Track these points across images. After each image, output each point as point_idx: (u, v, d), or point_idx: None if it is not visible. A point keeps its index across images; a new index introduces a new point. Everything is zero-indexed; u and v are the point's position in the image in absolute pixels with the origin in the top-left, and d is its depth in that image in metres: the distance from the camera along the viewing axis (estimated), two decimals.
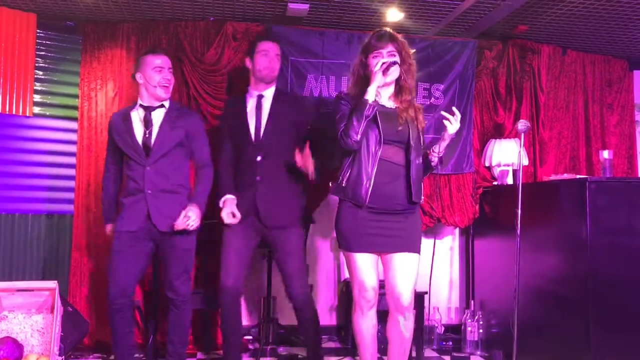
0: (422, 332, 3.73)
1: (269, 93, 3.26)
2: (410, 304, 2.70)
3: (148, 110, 3.00)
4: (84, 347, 3.64)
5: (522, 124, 3.07)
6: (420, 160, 2.79)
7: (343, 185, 2.74)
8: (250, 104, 3.25)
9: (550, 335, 3.24)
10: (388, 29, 2.82)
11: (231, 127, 3.26)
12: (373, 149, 2.69)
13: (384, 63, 2.67)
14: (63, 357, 3.17)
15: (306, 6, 3.60)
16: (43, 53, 3.81)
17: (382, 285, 2.80)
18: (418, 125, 2.78)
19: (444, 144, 2.77)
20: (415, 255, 2.73)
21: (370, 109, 2.64)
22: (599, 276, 2.92)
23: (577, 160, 4.40)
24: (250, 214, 3.12)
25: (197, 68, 3.84)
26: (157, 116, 3.01)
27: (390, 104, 2.80)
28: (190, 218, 2.92)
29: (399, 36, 2.80)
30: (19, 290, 3.19)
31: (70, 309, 3.40)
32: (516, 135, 4.00)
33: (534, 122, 4.25)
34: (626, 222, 3.00)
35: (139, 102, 3.03)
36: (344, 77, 3.97)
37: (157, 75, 2.99)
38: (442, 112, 2.76)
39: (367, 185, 2.66)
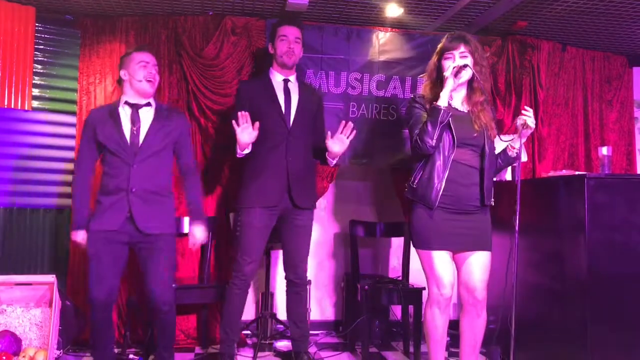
0: (419, 328, 3.72)
1: (293, 78, 3.33)
2: (483, 298, 2.84)
3: (134, 107, 2.93)
4: (82, 341, 3.64)
5: (521, 120, 3.06)
6: (494, 167, 2.87)
7: (414, 186, 2.81)
8: (276, 87, 3.26)
9: (548, 331, 3.24)
10: (462, 32, 2.87)
11: (255, 106, 3.16)
12: (446, 152, 2.74)
13: (454, 67, 2.71)
14: (61, 350, 3.18)
15: (306, 1, 3.59)
16: (42, 47, 3.79)
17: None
18: (491, 134, 2.84)
19: (522, 141, 2.85)
20: (488, 253, 2.85)
21: (445, 115, 2.69)
22: (597, 273, 2.92)
23: (575, 156, 4.40)
24: (283, 195, 3.12)
25: (197, 63, 3.83)
26: (146, 115, 2.95)
27: (462, 107, 2.84)
28: (201, 236, 3.01)
29: (473, 38, 2.83)
30: (17, 284, 3.20)
31: (69, 303, 3.40)
32: (515, 131, 3.99)
33: (533, 118, 4.24)
34: (624, 219, 3.00)
35: (124, 99, 2.95)
36: (343, 73, 3.96)
37: (142, 70, 2.93)
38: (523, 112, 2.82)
39: (438, 188, 2.72)
